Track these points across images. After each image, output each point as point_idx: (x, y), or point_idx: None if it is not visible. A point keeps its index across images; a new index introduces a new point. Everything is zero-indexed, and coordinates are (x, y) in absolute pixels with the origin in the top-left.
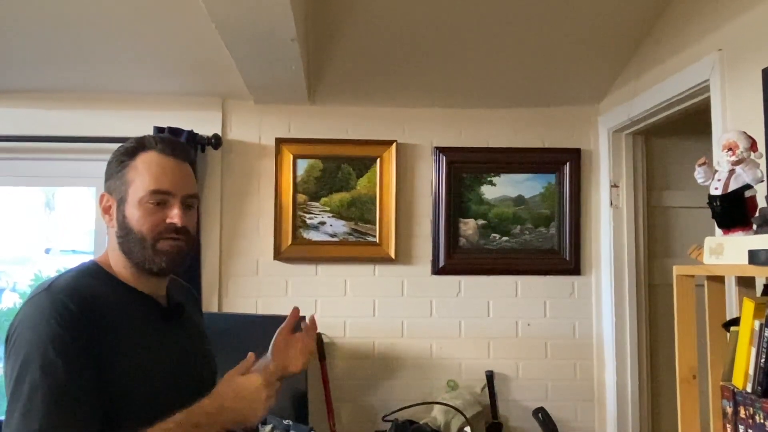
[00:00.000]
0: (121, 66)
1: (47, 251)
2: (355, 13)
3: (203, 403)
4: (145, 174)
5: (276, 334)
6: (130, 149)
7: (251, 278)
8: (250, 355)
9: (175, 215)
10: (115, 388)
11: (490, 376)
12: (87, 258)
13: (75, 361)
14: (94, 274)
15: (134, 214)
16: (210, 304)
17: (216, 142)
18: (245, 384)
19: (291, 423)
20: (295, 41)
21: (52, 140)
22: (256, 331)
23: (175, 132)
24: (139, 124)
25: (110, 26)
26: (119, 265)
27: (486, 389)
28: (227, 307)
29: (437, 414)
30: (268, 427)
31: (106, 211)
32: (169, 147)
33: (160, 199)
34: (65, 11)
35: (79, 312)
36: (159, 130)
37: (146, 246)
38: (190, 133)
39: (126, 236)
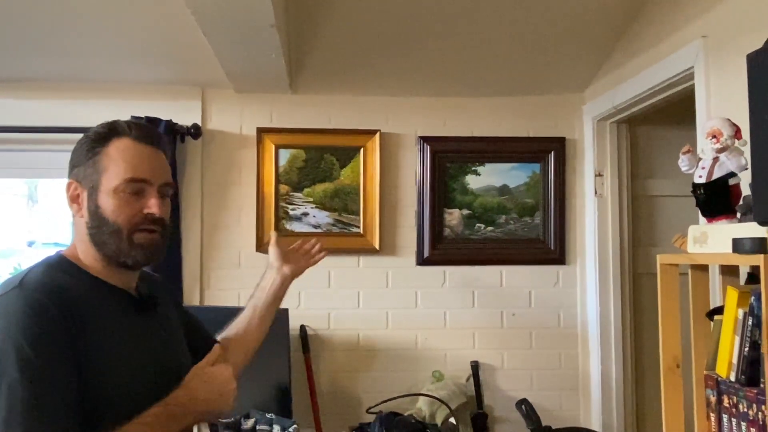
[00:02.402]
0: (99, 55)
1: (30, 244)
2: None
3: (177, 395)
4: (120, 161)
5: (272, 248)
6: (102, 135)
7: (233, 270)
8: (217, 346)
9: (153, 205)
10: (95, 383)
11: (475, 367)
12: None
13: (53, 361)
14: (63, 268)
15: (109, 204)
16: (191, 297)
17: (195, 132)
18: (216, 375)
19: (274, 416)
20: (275, 28)
21: (27, 131)
22: None
23: (153, 122)
24: (117, 114)
25: (87, 15)
26: (89, 258)
27: (471, 380)
28: (209, 299)
29: (422, 405)
30: (251, 421)
31: (74, 200)
32: (144, 133)
33: (137, 188)
34: (41, 0)
35: (56, 309)
36: (137, 120)
37: (122, 238)
38: (169, 122)
39: (99, 227)
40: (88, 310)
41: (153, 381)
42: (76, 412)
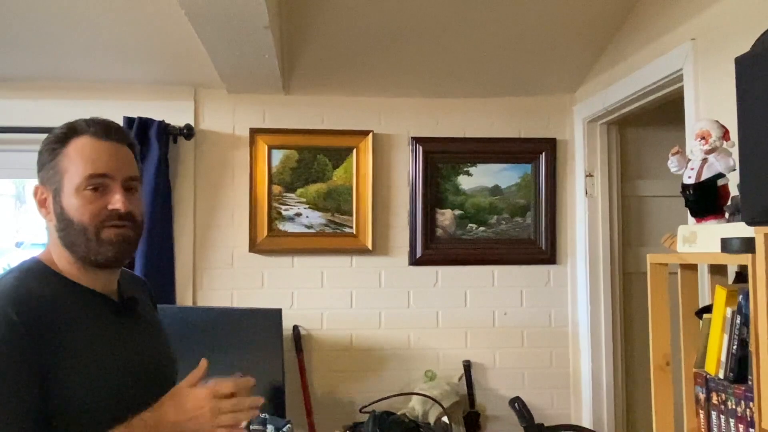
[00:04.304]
0: (90, 54)
1: (18, 245)
2: (329, 0)
3: (144, 416)
4: (78, 160)
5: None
6: (61, 136)
7: (226, 271)
8: (203, 362)
9: (117, 200)
10: (72, 393)
11: (467, 366)
12: None
13: (17, 377)
14: (38, 274)
15: (72, 204)
16: (184, 298)
17: (188, 132)
18: (189, 396)
19: (268, 416)
20: (268, 29)
21: (16, 131)
22: (232, 324)
23: (145, 122)
24: (109, 115)
25: (79, 14)
26: (63, 261)
27: (463, 379)
28: (202, 300)
29: (415, 404)
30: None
31: (42, 204)
32: (102, 129)
33: (98, 183)
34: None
35: (22, 323)
36: (129, 120)
37: (89, 237)
38: (162, 123)
39: (66, 229)
40: (61, 318)
41: (135, 385)
42: (34, 424)
